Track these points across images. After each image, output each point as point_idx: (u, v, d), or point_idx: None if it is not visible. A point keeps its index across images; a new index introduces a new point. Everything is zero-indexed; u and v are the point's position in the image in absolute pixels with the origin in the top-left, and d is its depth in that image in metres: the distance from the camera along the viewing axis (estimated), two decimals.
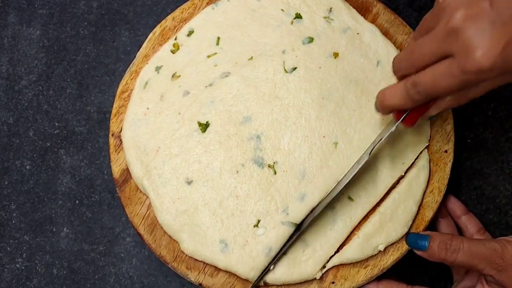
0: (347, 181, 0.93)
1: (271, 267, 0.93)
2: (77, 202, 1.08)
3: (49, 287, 1.06)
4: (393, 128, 0.89)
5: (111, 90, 1.12)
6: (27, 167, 1.10)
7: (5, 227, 1.07)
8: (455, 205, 1.02)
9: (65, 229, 1.07)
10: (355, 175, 0.93)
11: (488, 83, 0.77)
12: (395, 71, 0.85)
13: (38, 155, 1.10)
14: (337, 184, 0.95)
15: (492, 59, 0.69)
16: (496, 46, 0.69)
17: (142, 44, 1.04)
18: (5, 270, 1.06)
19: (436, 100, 0.83)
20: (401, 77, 0.84)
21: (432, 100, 0.83)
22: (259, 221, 0.94)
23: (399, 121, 0.87)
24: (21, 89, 1.12)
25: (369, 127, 0.97)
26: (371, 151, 0.92)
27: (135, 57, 1.03)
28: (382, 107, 0.87)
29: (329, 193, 0.95)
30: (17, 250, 1.07)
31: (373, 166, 0.97)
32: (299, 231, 0.94)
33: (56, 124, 1.11)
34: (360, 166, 0.92)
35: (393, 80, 0.98)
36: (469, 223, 1.01)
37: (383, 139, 0.91)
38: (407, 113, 0.86)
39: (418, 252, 0.90)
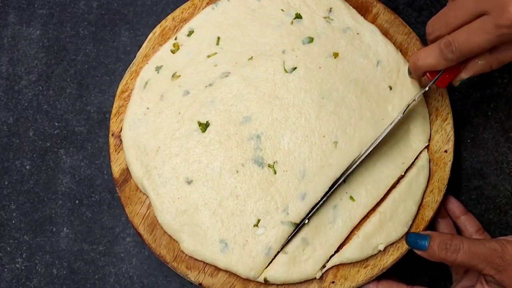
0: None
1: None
2: (77, 202, 1.08)
3: (49, 287, 1.06)
4: (427, 88, 0.92)
5: (111, 90, 1.12)
6: (27, 167, 1.10)
7: (5, 227, 1.07)
8: (454, 206, 1.02)
9: (65, 229, 1.07)
10: (355, 174, 0.94)
11: None
12: (428, 34, 0.87)
13: (38, 155, 1.10)
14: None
15: None
16: None
17: (142, 44, 1.04)
18: (5, 270, 1.06)
19: (467, 63, 0.86)
20: (433, 40, 0.86)
21: (465, 62, 0.86)
22: (259, 220, 0.94)
23: (433, 81, 0.89)
24: (21, 89, 1.12)
25: (369, 127, 0.97)
26: (405, 110, 0.95)
27: (135, 57, 1.03)
28: (415, 69, 0.89)
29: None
30: (17, 250, 1.07)
31: (373, 165, 0.97)
32: (299, 230, 0.94)
33: (56, 124, 1.11)
34: (392, 126, 0.95)
35: (393, 80, 0.99)
36: (468, 223, 1.01)
37: (417, 98, 0.95)
38: (440, 73, 0.88)
39: (418, 252, 0.90)
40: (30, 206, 1.08)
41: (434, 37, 0.85)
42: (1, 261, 1.06)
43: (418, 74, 0.91)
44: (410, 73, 0.95)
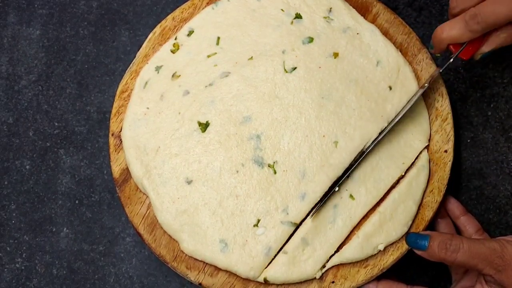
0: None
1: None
2: (77, 202, 1.08)
3: (48, 287, 1.06)
4: (451, 60, 0.93)
5: (111, 90, 1.12)
6: (27, 167, 1.10)
7: (5, 227, 1.07)
8: (454, 206, 1.01)
9: (65, 229, 1.07)
10: (355, 173, 0.94)
11: None
12: (453, 8, 0.88)
13: (38, 155, 1.10)
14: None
15: None
16: None
17: (142, 44, 1.04)
18: (5, 270, 1.06)
19: (489, 37, 0.87)
20: (457, 14, 0.88)
21: (486, 35, 0.87)
22: (259, 220, 0.94)
23: (457, 53, 0.91)
24: (20, 89, 1.12)
25: (369, 126, 0.97)
26: (429, 83, 0.96)
27: (135, 57, 1.03)
28: (439, 41, 0.90)
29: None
30: (17, 250, 1.07)
31: (374, 165, 0.97)
32: (299, 230, 0.94)
33: (56, 124, 1.11)
34: (416, 99, 0.97)
35: (393, 79, 0.99)
36: (468, 224, 1.01)
37: (442, 69, 0.96)
38: (464, 46, 0.90)
39: (418, 252, 0.90)
40: (30, 206, 1.08)
41: (459, 10, 0.87)
42: (1, 261, 1.06)
43: (441, 47, 0.92)
44: (432, 47, 0.95)
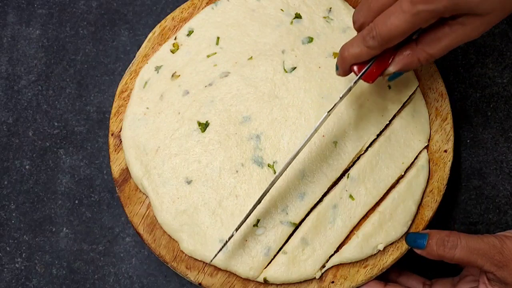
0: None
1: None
2: (76, 202, 1.08)
3: (48, 287, 1.06)
4: (352, 84, 0.86)
5: (110, 90, 1.12)
6: (27, 167, 1.10)
7: (5, 227, 1.07)
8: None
9: (64, 229, 1.07)
10: (355, 173, 0.94)
11: (445, 38, 0.77)
12: (354, 22, 0.83)
13: (37, 155, 1.10)
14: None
15: None
16: None
17: (142, 43, 1.04)
18: (5, 270, 1.06)
19: (395, 56, 0.82)
20: (359, 27, 0.82)
21: (393, 55, 0.82)
22: (258, 220, 0.94)
23: (359, 75, 0.83)
24: (20, 89, 1.12)
25: (369, 125, 0.98)
26: (331, 109, 0.88)
27: (134, 56, 1.03)
28: (341, 60, 0.84)
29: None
30: (17, 250, 1.07)
31: (373, 165, 0.97)
32: (298, 230, 0.94)
33: (56, 124, 1.11)
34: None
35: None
36: (408, 281, 1.00)
37: (342, 97, 0.88)
38: (368, 67, 0.83)
39: (418, 251, 0.90)
40: (29, 206, 1.08)
41: (359, 25, 0.81)
42: (1, 261, 1.06)
43: (344, 68, 0.85)
44: (337, 68, 0.87)
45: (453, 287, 0.95)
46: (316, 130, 0.88)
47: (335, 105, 0.87)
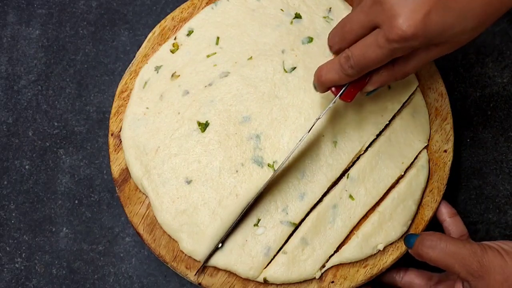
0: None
1: (219, 245, 0.94)
2: (76, 202, 1.08)
3: (48, 287, 1.06)
4: (331, 104, 0.88)
5: (110, 90, 1.12)
6: (26, 167, 1.10)
7: (4, 227, 1.07)
8: (441, 208, 0.99)
9: (64, 229, 1.07)
10: (355, 173, 0.94)
11: (419, 56, 0.78)
12: (330, 47, 0.84)
13: (37, 155, 1.10)
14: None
15: (413, 26, 0.70)
16: (418, 13, 0.69)
17: (142, 43, 1.04)
18: (5, 270, 1.06)
19: (372, 76, 0.83)
20: (336, 52, 0.83)
21: (369, 75, 0.83)
22: (259, 220, 0.94)
23: (337, 96, 0.85)
24: (20, 89, 1.12)
25: (368, 125, 0.98)
26: (310, 129, 0.92)
27: (134, 56, 1.03)
28: (319, 83, 0.85)
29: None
30: (17, 250, 1.07)
31: (373, 165, 0.97)
32: (298, 230, 0.94)
33: (56, 124, 1.11)
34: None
35: None
36: (453, 227, 0.98)
37: (321, 116, 0.91)
38: (345, 88, 0.84)
39: (409, 251, 0.90)
40: (29, 206, 1.08)
41: (335, 50, 0.83)
42: (1, 261, 1.06)
43: (322, 89, 0.87)
44: (315, 87, 0.89)
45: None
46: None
47: (315, 121, 0.92)
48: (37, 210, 1.08)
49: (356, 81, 0.83)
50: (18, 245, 1.07)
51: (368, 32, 0.76)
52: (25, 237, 1.07)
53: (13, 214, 1.08)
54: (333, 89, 0.85)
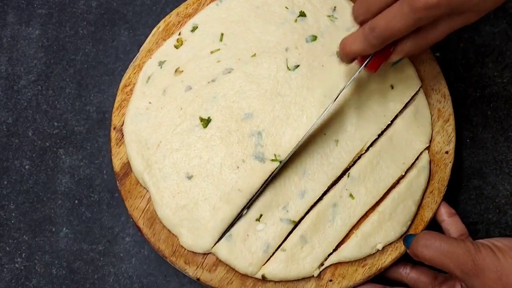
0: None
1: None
2: (76, 202, 1.08)
3: (48, 287, 1.05)
4: (356, 74, 0.90)
5: (110, 90, 1.12)
6: (26, 167, 1.09)
7: (4, 227, 1.07)
8: (440, 208, 0.99)
9: (64, 229, 1.07)
10: (355, 173, 0.94)
11: (443, 25, 0.79)
12: (354, 18, 0.85)
13: (37, 155, 1.10)
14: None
15: None
16: None
17: (142, 43, 1.04)
18: (4, 270, 1.06)
19: (396, 46, 0.85)
20: (360, 23, 0.85)
21: (394, 45, 0.85)
22: (261, 215, 0.94)
23: (362, 66, 0.88)
24: (20, 89, 1.12)
25: (370, 124, 0.98)
26: (336, 98, 0.94)
27: (134, 56, 1.03)
28: (344, 54, 0.87)
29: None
30: (16, 250, 1.06)
31: (374, 165, 0.97)
32: (298, 228, 0.95)
33: (55, 124, 1.11)
34: (325, 112, 0.95)
35: (395, 78, 0.99)
36: (452, 226, 0.97)
37: (347, 85, 0.93)
38: (370, 58, 0.87)
39: (407, 251, 0.90)
40: (29, 206, 1.08)
41: (359, 21, 0.85)
42: (1, 261, 1.06)
43: (347, 60, 0.89)
44: (341, 58, 0.91)
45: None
46: (320, 118, 0.93)
47: (340, 92, 0.93)
48: (37, 210, 1.08)
49: (380, 52, 0.85)
50: (18, 245, 1.07)
51: (392, 2, 0.77)
52: (25, 237, 1.07)
53: (13, 214, 1.08)
54: (358, 59, 0.88)
